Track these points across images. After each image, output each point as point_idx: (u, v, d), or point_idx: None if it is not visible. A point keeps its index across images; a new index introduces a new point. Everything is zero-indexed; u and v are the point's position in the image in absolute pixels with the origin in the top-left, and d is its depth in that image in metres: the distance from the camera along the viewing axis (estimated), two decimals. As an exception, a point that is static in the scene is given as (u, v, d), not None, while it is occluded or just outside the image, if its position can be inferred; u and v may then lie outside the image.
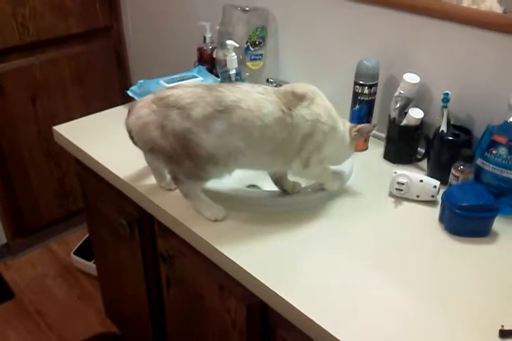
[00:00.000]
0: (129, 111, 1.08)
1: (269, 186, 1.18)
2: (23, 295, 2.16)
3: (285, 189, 1.14)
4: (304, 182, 1.17)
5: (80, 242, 2.30)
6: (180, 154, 1.01)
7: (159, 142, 1.01)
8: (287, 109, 1.02)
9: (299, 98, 1.04)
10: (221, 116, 0.98)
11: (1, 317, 2.06)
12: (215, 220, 1.08)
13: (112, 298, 1.82)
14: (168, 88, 1.06)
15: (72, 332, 1.99)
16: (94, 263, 2.06)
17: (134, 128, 1.05)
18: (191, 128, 0.98)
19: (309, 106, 1.04)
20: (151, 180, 1.20)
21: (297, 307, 0.87)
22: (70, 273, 2.28)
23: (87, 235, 2.17)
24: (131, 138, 1.08)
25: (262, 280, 0.93)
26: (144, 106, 1.03)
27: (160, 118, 1.00)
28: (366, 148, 1.36)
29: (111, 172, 1.26)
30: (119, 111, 1.54)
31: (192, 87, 1.03)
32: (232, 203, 1.12)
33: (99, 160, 1.30)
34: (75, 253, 2.27)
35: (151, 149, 1.05)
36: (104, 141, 1.38)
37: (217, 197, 1.11)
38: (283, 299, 0.89)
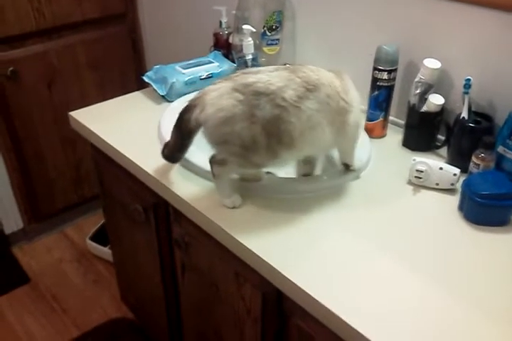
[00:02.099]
0: (196, 104, 0.97)
1: (283, 173, 1.17)
2: (38, 280, 2.19)
3: (308, 173, 1.13)
4: (320, 169, 1.16)
5: (96, 228, 2.32)
6: (260, 143, 0.95)
7: (242, 133, 0.94)
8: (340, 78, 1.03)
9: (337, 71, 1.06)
10: (311, 95, 0.96)
11: (18, 302, 2.09)
12: (233, 207, 1.06)
13: (127, 283, 1.83)
14: (245, 73, 0.98)
15: (88, 317, 2.01)
16: (109, 248, 2.07)
17: (212, 122, 0.96)
18: (282, 114, 0.94)
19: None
20: (167, 166, 1.20)
21: (313, 295, 0.86)
22: (86, 258, 2.30)
23: (103, 221, 2.19)
24: (191, 132, 0.99)
25: (277, 268, 0.92)
26: (224, 96, 0.95)
27: (249, 108, 0.93)
28: (385, 135, 1.34)
29: (127, 158, 1.26)
30: (135, 97, 1.54)
31: (274, 71, 0.98)
32: (248, 190, 1.11)
33: (115, 146, 1.30)
34: (91, 238, 2.29)
35: (224, 142, 0.98)
36: (120, 126, 1.38)
37: (233, 183, 1.10)
38: (298, 287, 0.88)
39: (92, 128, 1.38)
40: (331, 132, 1.02)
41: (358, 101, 1.06)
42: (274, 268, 0.92)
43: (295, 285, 0.89)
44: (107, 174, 1.54)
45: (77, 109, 1.48)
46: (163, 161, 1.21)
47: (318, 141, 1.02)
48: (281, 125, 0.95)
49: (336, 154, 1.16)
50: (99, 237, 2.26)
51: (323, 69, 1.05)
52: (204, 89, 0.99)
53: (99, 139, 1.35)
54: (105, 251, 2.20)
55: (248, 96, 0.94)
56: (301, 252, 0.96)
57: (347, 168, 1.15)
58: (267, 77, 0.96)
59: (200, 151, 1.22)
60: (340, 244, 0.98)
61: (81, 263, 2.28)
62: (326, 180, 1.14)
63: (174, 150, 1.08)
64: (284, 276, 0.90)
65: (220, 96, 0.95)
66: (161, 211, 1.31)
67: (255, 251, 0.96)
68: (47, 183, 2.27)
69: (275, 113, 0.94)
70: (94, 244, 2.26)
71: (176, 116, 1.02)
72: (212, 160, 1.03)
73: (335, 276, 0.90)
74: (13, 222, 2.27)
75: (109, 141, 1.32)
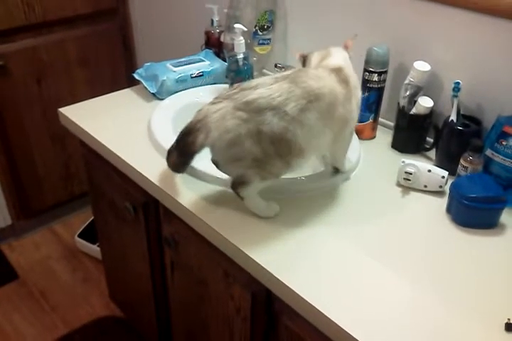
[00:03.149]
0: (199, 127, 0.95)
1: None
2: (27, 277, 2.18)
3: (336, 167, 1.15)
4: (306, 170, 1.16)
5: (85, 225, 2.31)
6: (271, 155, 0.95)
7: (251, 150, 0.94)
8: (344, 84, 1.02)
9: (339, 69, 1.04)
10: (312, 106, 0.95)
11: (6, 299, 2.08)
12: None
13: (116, 281, 1.83)
14: (244, 89, 0.95)
15: (76, 315, 2.01)
16: (98, 246, 2.07)
17: (220, 145, 0.94)
18: (288, 126, 0.93)
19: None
20: (157, 165, 1.20)
21: (301, 295, 0.87)
22: (74, 255, 2.29)
23: (92, 218, 2.18)
24: (194, 153, 0.97)
25: (266, 267, 0.92)
26: (227, 117, 0.93)
27: (254, 125, 0.92)
28: (374, 137, 1.35)
29: (116, 155, 1.26)
30: (125, 94, 1.54)
31: (274, 84, 0.95)
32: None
33: (105, 144, 1.29)
34: (79, 235, 2.28)
35: (237, 160, 0.97)
36: (110, 124, 1.37)
37: (224, 183, 1.11)
38: (287, 286, 0.89)
39: (81, 126, 1.37)
40: (330, 137, 1.02)
41: (359, 96, 1.07)
42: (263, 268, 0.93)
43: (284, 284, 0.89)
44: (96, 171, 1.53)
45: (66, 105, 1.47)
46: (152, 159, 1.21)
47: (322, 146, 1.04)
48: (289, 137, 0.94)
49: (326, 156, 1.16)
50: (88, 234, 2.25)
51: (319, 56, 1.08)
52: (203, 111, 0.96)
53: (89, 136, 1.35)
54: (94, 249, 2.19)
55: (251, 114, 0.92)
56: (290, 252, 0.96)
57: (336, 170, 1.16)
58: (268, 91, 0.93)
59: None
60: (329, 244, 0.99)
61: (69, 260, 2.27)
62: (312, 181, 1.14)
63: (178, 164, 1.05)
64: (273, 275, 0.91)
65: (223, 118, 0.93)
66: (150, 209, 1.31)
67: (244, 250, 0.96)
68: (36, 179, 2.26)
69: (282, 125, 0.93)
70: (82, 242, 2.25)
71: (173, 137, 1.01)
72: (235, 186, 1.02)
73: (323, 276, 0.91)
74: (2, 218, 2.25)
75: (99, 139, 1.32)
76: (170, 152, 1.04)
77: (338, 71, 1.03)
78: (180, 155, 1.01)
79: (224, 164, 1.01)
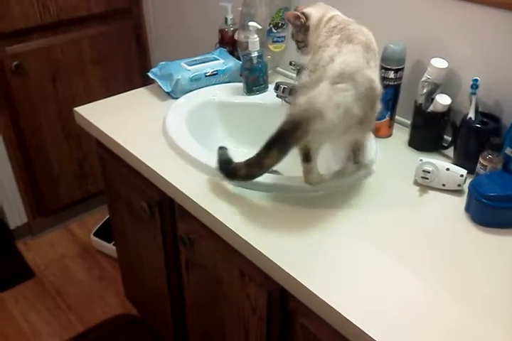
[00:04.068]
0: (308, 116, 0.96)
1: (289, 172, 1.17)
2: (43, 276, 2.19)
3: (356, 160, 1.15)
4: (324, 170, 1.15)
5: (100, 223, 2.32)
6: (368, 111, 1.00)
7: (357, 113, 0.98)
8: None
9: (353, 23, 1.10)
10: (370, 56, 1.03)
11: (22, 297, 2.09)
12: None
13: (132, 279, 1.84)
14: (323, 65, 0.99)
15: (92, 313, 2.02)
16: (113, 244, 2.08)
17: (334, 121, 0.96)
18: (373, 78, 1.00)
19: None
20: (172, 163, 1.20)
21: (318, 295, 0.86)
22: (90, 254, 2.31)
23: (107, 216, 2.19)
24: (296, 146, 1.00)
25: (283, 267, 0.92)
26: (332, 94, 0.96)
27: (355, 90, 0.97)
28: (390, 135, 1.33)
29: (132, 154, 1.26)
30: (140, 93, 1.54)
31: (342, 49, 1.00)
32: (256, 188, 1.10)
33: (121, 143, 1.29)
34: (95, 234, 2.29)
35: (347, 128, 1.00)
36: (125, 123, 1.38)
37: (241, 182, 1.10)
38: (304, 286, 0.88)
39: (97, 125, 1.38)
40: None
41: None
42: (280, 267, 0.92)
43: (301, 284, 0.89)
44: (111, 170, 1.54)
45: (81, 103, 1.47)
46: (167, 158, 1.21)
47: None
48: (374, 86, 1.01)
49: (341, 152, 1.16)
50: (104, 233, 2.26)
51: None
52: (303, 102, 0.98)
53: (105, 135, 1.35)
54: (109, 247, 2.20)
55: (349, 82, 0.97)
56: (307, 251, 0.96)
57: (356, 162, 1.15)
58: (345, 57, 0.99)
59: (205, 148, 1.22)
60: (346, 243, 0.98)
61: (85, 259, 2.28)
62: (330, 180, 1.13)
63: (255, 168, 1.03)
64: (290, 275, 0.90)
65: (329, 96, 0.96)
66: (166, 208, 1.31)
67: (260, 250, 0.96)
68: (51, 178, 2.27)
69: (371, 79, 0.99)
70: (98, 240, 2.27)
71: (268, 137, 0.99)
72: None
73: (341, 276, 0.90)
74: (18, 216, 2.27)
75: (114, 138, 1.32)
76: (248, 164, 1.03)
77: (353, 22, 1.09)
78: (281, 152, 0.99)
79: (337, 138, 1.05)
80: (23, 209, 2.26)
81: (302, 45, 1.20)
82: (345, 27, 1.06)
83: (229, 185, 1.12)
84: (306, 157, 1.05)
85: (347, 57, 0.99)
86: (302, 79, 1.02)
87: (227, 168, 1.07)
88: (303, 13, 1.17)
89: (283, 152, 0.99)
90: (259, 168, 1.02)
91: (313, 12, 1.16)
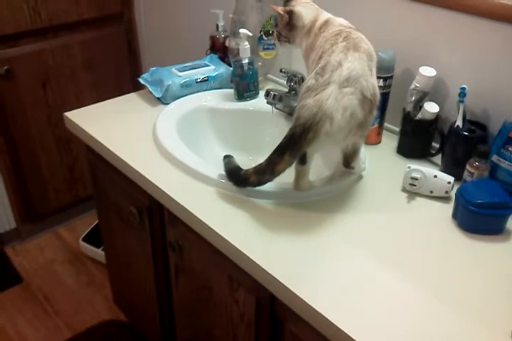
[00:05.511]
0: (319, 119, 0.98)
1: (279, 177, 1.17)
2: (31, 281, 2.18)
3: (351, 165, 1.17)
4: (314, 176, 1.16)
5: (89, 229, 2.31)
6: (367, 114, 1.03)
7: (359, 116, 1.01)
8: None
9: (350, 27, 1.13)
10: (373, 64, 1.07)
11: (10, 302, 2.08)
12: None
13: (120, 285, 1.83)
14: (332, 70, 1.01)
15: (80, 319, 2.01)
16: (102, 250, 2.07)
17: (342, 123, 0.99)
18: (374, 83, 1.04)
19: None
20: (162, 169, 1.20)
21: (307, 301, 0.86)
22: (79, 259, 2.30)
23: (96, 222, 2.19)
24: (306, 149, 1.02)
25: (271, 273, 0.92)
26: (340, 97, 0.99)
27: (360, 94, 1.00)
28: (379, 142, 1.34)
29: (122, 160, 1.26)
30: (131, 99, 1.54)
31: (348, 56, 1.02)
32: (247, 194, 1.11)
33: (111, 148, 1.30)
34: (84, 239, 2.28)
35: (349, 131, 1.02)
36: (115, 128, 1.38)
37: (230, 188, 1.11)
38: (293, 292, 0.89)
39: (87, 130, 1.38)
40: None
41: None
42: (269, 273, 0.92)
43: (289, 290, 0.89)
44: (101, 176, 1.53)
45: (71, 108, 1.47)
46: (157, 163, 1.21)
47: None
48: (376, 92, 1.04)
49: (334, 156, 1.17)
50: (93, 238, 2.25)
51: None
52: (311, 105, 0.99)
53: (95, 141, 1.35)
54: (98, 253, 2.19)
55: (355, 86, 1.00)
56: (295, 257, 0.96)
57: (348, 167, 1.17)
58: (351, 64, 1.01)
59: (197, 156, 1.22)
60: (335, 250, 0.98)
61: (74, 264, 2.27)
62: (319, 186, 1.14)
63: (266, 174, 1.05)
64: (279, 281, 0.90)
65: (337, 100, 0.99)
66: (155, 213, 1.31)
67: (249, 255, 0.96)
68: (41, 183, 2.26)
69: (373, 85, 1.03)
70: (87, 245, 2.26)
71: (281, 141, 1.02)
72: (348, 160, 1.15)
73: (329, 282, 0.91)
74: (6, 221, 2.26)
75: (104, 143, 1.32)
76: (259, 171, 1.05)
77: (352, 28, 1.11)
78: (292, 156, 1.01)
79: (340, 141, 1.06)
80: (11, 214, 2.25)
81: (285, 40, 1.22)
82: (349, 35, 1.07)
83: (218, 191, 1.13)
84: (302, 159, 1.06)
85: (353, 63, 1.02)
86: (308, 82, 1.03)
87: (237, 176, 1.09)
88: (291, 12, 1.17)
89: (294, 156, 1.02)
90: (270, 173, 1.04)
91: (304, 13, 1.17)
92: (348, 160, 1.16)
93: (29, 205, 2.28)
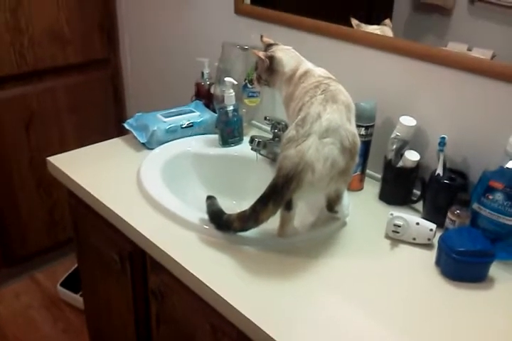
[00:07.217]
0: (301, 169, 1.01)
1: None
2: (6, 327, 2.11)
3: (334, 209, 1.19)
4: (298, 221, 1.17)
5: (67, 273, 2.26)
6: (349, 162, 1.06)
7: (341, 165, 1.04)
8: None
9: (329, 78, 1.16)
10: (351, 115, 1.10)
11: (-17, 350, 2.01)
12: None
13: (99, 332, 1.78)
14: (312, 122, 1.04)
15: (56, 368, 1.94)
16: (81, 295, 2.02)
17: (323, 172, 1.02)
18: (355, 133, 1.08)
19: None
20: (145, 214, 1.19)
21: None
22: (56, 305, 2.24)
23: (75, 266, 2.14)
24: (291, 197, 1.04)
25: (256, 323, 0.91)
26: (320, 147, 1.02)
27: (339, 144, 1.03)
28: (362, 188, 1.36)
29: (104, 205, 1.25)
30: (115, 144, 1.54)
31: (327, 108, 1.05)
32: (231, 242, 1.11)
33: (94, 193, 1.29)
34: (62, 284, 2.22)
35: (331, 178, 1.05)
36: (99, 173, 1.38)
37: (214, 234, 1.11)
38: (278, 343, 0.87)
39: (70, 175, 1.37)
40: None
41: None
42: (253, 323, 0.91)
43: (274, 341, 0.88)
44: (83, 221, 1.52)
45: (54, 152, 1.47)
46: (141, 209, 1.21)
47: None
48: (356, 141, 1.08)
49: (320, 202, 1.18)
50: (71, 283, 2.20)
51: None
52: (293, 155, 1.02)
53: (77, 186, 1.34)
54: (76, 298, 2.14)
55: (334, 136, 1.03)
56: (281, 307, 0.95)
57: (332, 211, 1.19)
58: (330, 116, 1.04)
59: (179, 200, 1.23)
60: (321, 300, 0.98)
61: (51, 310, 2.21)
62: (302, 234, 1.15)
63: (250, 222, 1.06)
64: (265, 332, 0.89)
65: (318, 150, 1.02)
66: (137, 260, 1.29)
67: (234, 304, 0.95)
68: (19, 226, 2.22)
69: (353, 134, 1.06)
70: (65, 291, 2.20)
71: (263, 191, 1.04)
72: (331, 205, 1.17)
73: (316, 334, 0.90)
74: (-18, 266, 2.21)
75: (87, 188, 1.31)
76: (243, 217, 1.06)
77: (330, 79, 1.14)
78: (276, 205, 1.03)
79: (323, 188, 1.08)
80: (-12, 258, 2.20)
81: (264, 83, 1.25)
82: (328, 88, 1.09)
83: (202, 237, 1.12)
84: (288, 205, 1.07)
85: (332, 115, 1.05)
86: (289, 133, 1.05)
87: (220, 220, 1.10)
88: (272, 57, 1.20)
89: (278, 205, 1.03)
90: (254, 221, 1.05)
91: (285, 59, 1.19)
92: (332, 204, 1.18)
93: (7, 249, 2.23)
